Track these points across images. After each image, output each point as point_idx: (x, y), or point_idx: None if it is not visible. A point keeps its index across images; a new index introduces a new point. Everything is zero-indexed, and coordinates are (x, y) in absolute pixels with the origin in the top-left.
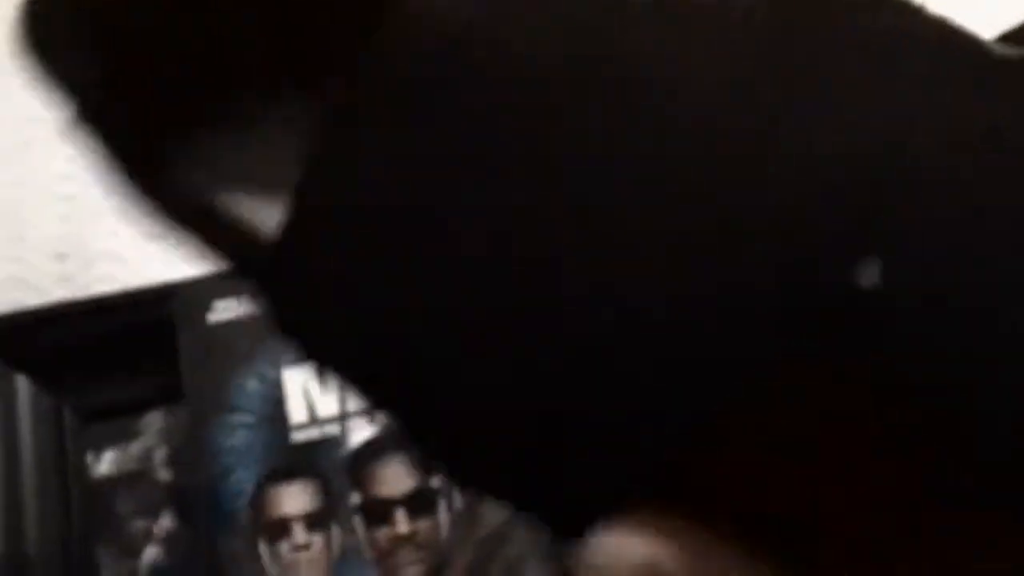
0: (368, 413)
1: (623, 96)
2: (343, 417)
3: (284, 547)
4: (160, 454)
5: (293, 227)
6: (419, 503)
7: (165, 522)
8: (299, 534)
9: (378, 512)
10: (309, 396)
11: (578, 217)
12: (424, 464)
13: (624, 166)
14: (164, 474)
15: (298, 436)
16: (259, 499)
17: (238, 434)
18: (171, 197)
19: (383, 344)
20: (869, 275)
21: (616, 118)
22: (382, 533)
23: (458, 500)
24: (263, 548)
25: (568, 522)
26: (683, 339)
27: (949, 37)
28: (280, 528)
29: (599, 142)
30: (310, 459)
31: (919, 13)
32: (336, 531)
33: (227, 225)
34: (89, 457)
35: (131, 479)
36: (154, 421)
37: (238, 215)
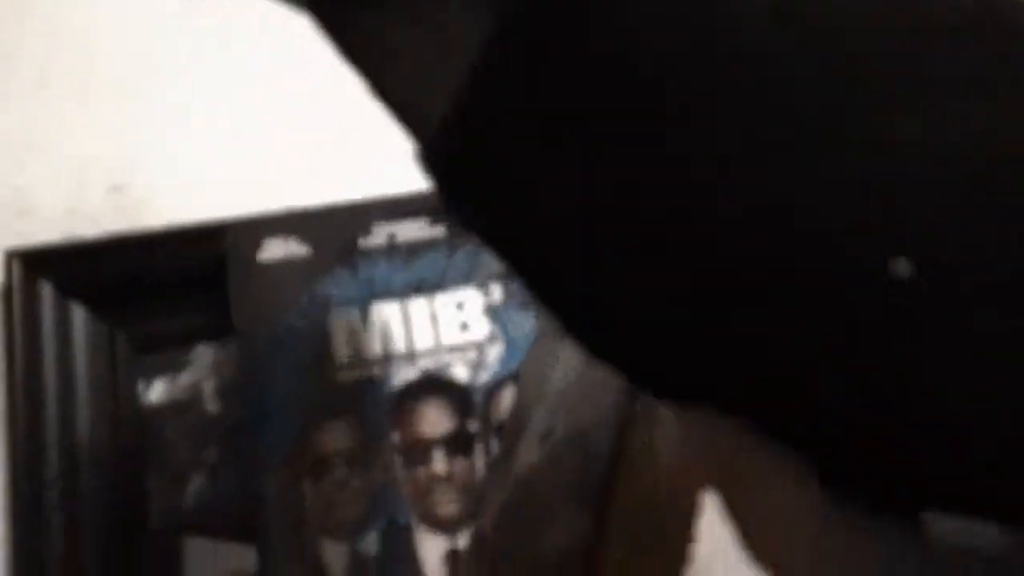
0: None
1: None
2: (386, 359)
3: (325, 482)
4: (209, 386)
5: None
6: (456, 445)
7: (211, 453)
8: (340, 470)
9: (416, 452)
10: (354, 337)
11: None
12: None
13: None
14: (212, 406)
15: (342, 376)
16: (302, 435)
17: (284, 371)
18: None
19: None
20: None
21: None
22: (419, 472)
23: (494, 443)
24: (305, 482)
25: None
26: None
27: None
28: (321, 464)
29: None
30: (353, 398)
31: None
32: (375, 469)
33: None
34: (140, 386)
35: (180, 409)
36: (204, 354)
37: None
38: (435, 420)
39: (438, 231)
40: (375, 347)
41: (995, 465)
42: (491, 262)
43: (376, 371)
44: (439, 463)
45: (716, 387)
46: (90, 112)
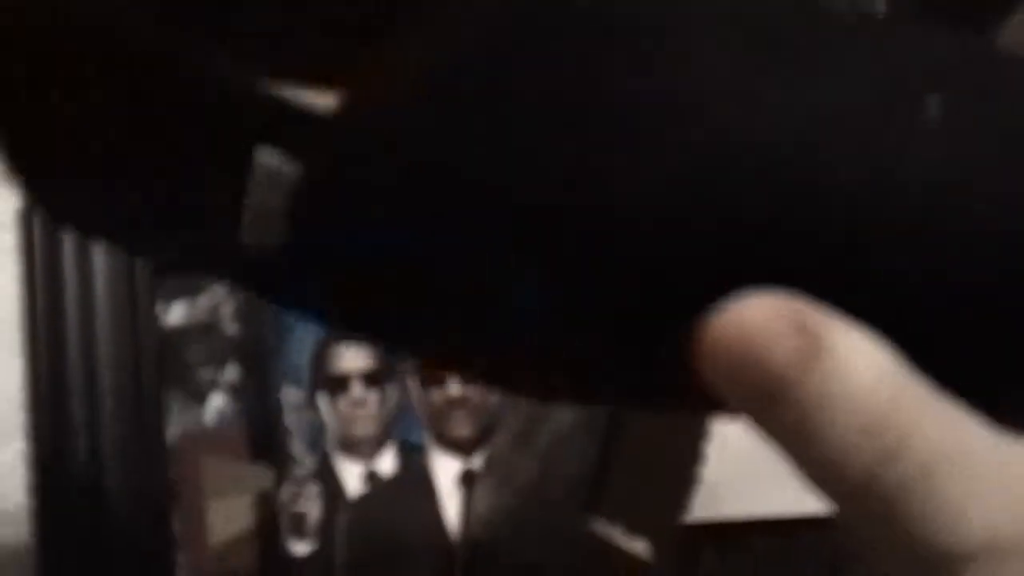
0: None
1: None
2: None
3: (342, 402)
4: (227, 308)
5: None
6: None
7: (230, 372)
8: (357, 390)
9: (433, 374)
10: None
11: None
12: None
13: None
14: (231, 327)
15: None
16: (320, 355)
17: None
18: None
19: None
20: None
21: None
22: (435, 394)
23: None
24: (322, 401)
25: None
26: None
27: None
28: (339, 384)
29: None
30: None
31: None
32: (392, 390)
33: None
34: (160, 308)
35: (200, 330)
36: None
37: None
38: None
39: None
40: None
41: None
42: None
43: None
44: (454, 386)
45: None
46: None
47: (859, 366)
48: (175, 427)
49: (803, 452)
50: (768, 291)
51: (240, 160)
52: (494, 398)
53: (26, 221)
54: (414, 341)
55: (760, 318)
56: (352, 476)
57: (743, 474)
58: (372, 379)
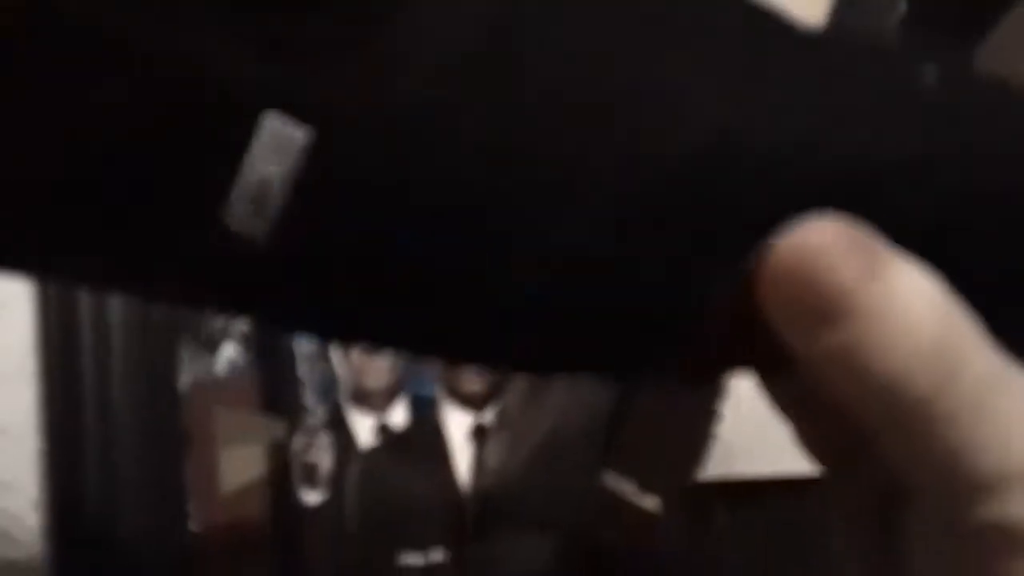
0: None
1: None
2: None
3: (354, 353)
4: None
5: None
6: None
7: (243, 322)
8: None
9: None
10: None
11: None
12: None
13: None
14: None
15: None
16: None
17: None
18: None
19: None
20: None
21: None
22: None
23: None
24: (334, 351)
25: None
26: None
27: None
28: None
29: None
30: None
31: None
32: None
33: None
34: None
35: None
36: None
37: None
38: None
39: None
40: None
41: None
42: None
43: None
44: None
45: None
46: None
47: (916, 289)
48: (187, 376)
49: (858, 374)
50: (827, 215)
51: (238, 128)
52: None
53: None
54: (422, 343)
55: (823, 239)
56: (364, 428)
57: (758, 433)
58: None
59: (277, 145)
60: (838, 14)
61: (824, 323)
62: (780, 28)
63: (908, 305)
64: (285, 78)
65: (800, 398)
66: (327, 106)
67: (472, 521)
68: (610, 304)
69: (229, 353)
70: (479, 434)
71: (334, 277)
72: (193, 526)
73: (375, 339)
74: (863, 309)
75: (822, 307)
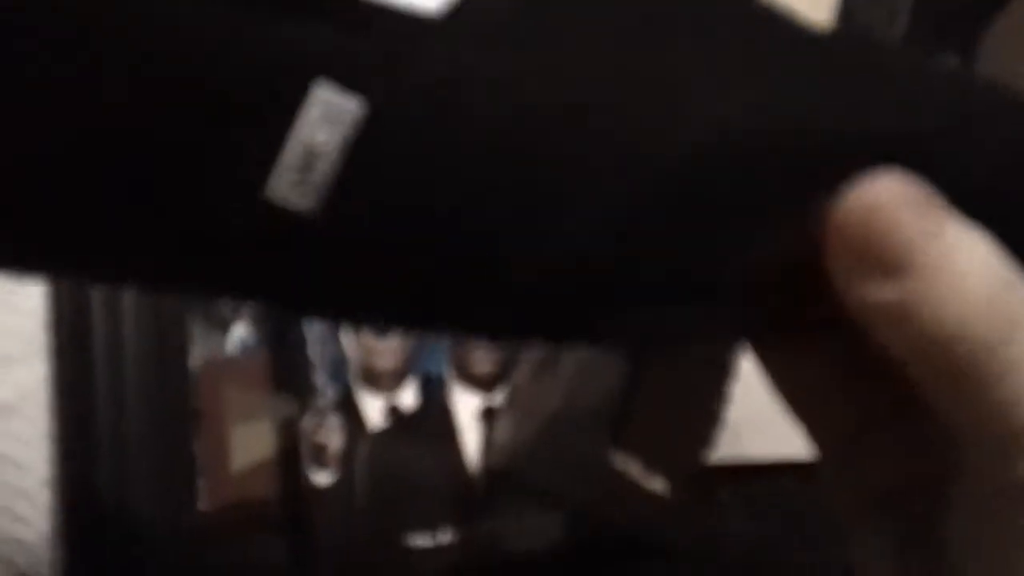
0: None
1: None
2: None
3: (364, 333)
4: None
5: None
6: None
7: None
8: None
9: None
10: None
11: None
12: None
13: None
14: None
15: None
16: None
17: None
18: None
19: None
20: None
21: None
22: None
23: None
24: (344, 331)
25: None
26: None
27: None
28: None
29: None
30: None
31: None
32: None
33: None
34: None
35: None
36: None
37: None
38: None
39: None
40: None
41: None
42: None
43: None
44: None
45: None
46: None
47: (974, 247)
48: (198, 355)
49: (916, 327)
50: (889, 171)
51: (286, 96)
52: None
53: None
54: (465, 325)
55: (886, 194)
56: (373, 409)
57: (767, 415)
58: None
59: (328, 115)
60: (840, 25)
61: (886, 275)
62: (783, 27)
63: (967, 262)
64: (337, 45)
65: (822, 370)
66: (380, 77)
67: (480, 499)
68: (610, 304)
69: (240, 332)
70: (488, 415)
71: (373, 255)
72: (203, 504)
73: (399, 321)
74: (924, 264)
75: (885, 260)
